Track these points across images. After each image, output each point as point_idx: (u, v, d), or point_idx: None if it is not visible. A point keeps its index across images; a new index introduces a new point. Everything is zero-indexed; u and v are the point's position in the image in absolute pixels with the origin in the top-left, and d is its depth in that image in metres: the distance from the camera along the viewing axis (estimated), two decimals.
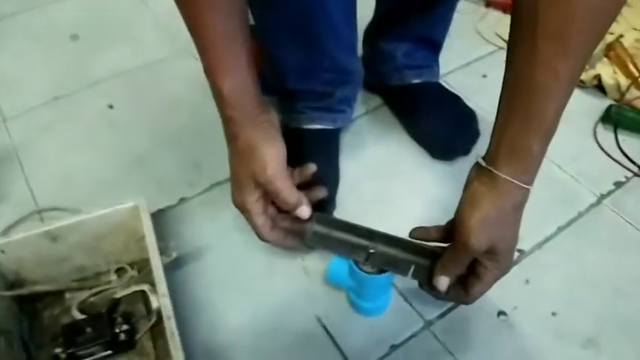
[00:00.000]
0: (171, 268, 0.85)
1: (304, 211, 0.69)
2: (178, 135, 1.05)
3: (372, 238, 0.73)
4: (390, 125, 1.07)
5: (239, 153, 0.67)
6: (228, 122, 0.67)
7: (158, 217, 0.92)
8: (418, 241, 0.71)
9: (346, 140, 1.03)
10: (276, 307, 0.82)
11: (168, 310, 0.66)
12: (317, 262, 0.86)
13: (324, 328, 0.79)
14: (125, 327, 0.75)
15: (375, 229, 0.73)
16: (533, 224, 0.90)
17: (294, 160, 0.73)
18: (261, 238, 0.72)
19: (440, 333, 0.79)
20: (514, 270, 0.84)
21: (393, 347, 0.77)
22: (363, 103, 1.11)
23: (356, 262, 0.73)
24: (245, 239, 0.89)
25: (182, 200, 0.95)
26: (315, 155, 0.84)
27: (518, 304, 0.82)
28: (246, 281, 0.85)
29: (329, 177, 0.92)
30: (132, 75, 1.19)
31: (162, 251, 0.75)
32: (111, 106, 1.13)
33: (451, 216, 0.66)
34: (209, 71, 0.64)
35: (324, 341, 0.78)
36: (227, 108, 0.65)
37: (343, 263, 0.75)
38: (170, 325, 0.64)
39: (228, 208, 0.91)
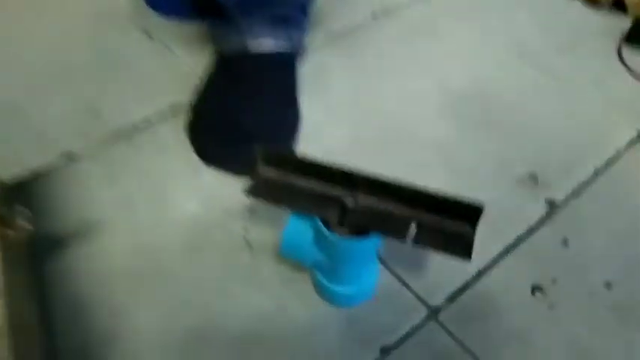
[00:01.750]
0: (49, 252, 0.56)
1: None
2: (68, 71, 0.75)
3: (350, 184, 0.46)
4: (360, 53, 0.80)
5: None
6: None
7: (34, 182, 0.63)
8: (421, 187, 0.45)
9: (306, 72, 0.75)
10: (205, 300, 0.54)
11: None
12: (266, 231, 0.59)
13: (278, 329, 0.52)
14: None
15: (354, 169, 0.46)
16: (565, 168, 0.66)
17: (236, 101, 0.58)
18: None
19: (452, 323, 0.53)
20: (546, 229, 0.60)
21: (385, 350, 0.51)
22: (323, 29, 0.83)
23: (325, 224, 0.46)
24: (158, 207, 0.61)
25: (70, 158, 0.66)
26: (264, 91, 0.66)
27: (557, 274, 0.57)
28: (159, 266, 0.57)
29: (285, 120, 0.65)
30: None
31: (8, 223, 0.46)
32: None
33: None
34: None
35: (277, 350, 0.51)
36: None
37: (305, 228, 0.48)
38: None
39: (134, 166, 0.62)
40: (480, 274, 0.57)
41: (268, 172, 0.48)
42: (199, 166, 0.65)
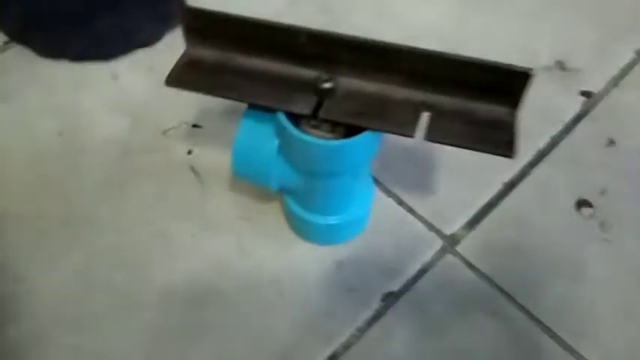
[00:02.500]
0: None
1: None
2: None
3: (326, 56, 0.31)
4: None
5: None
6: None
7: None
8: (434, 50, 0.30)
9: None
10: (139, 248, 0.39)
11: None
12: (216, 153, 0.43)
13: (241, 279, 0.38)
14: None
15: (331, 32, 0.30)
16: (594, 50, 0.51)
17: None
18: None
19: (475, 256, 0.39)
20: (585, 127, 0.45)
21: (389, 298, 0.37)
22: None
23: (293, 121, 0.31)
24: (71, 127, 0.45)
25: None
26: None
27: (606, 183, 0.43)
28: (74, 207, 0.41)
29: None
30: None
31: None
32: None
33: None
34: None
35: (241, 306, 0.37)
36: None
37: (264, 132, 0.33)
38: None
39: (34, 76, 0.46)
40: (506, 189, 0.43)
41: (200, 48, 0.32)
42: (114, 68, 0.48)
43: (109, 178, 0.42)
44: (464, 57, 0.29)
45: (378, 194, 0.41)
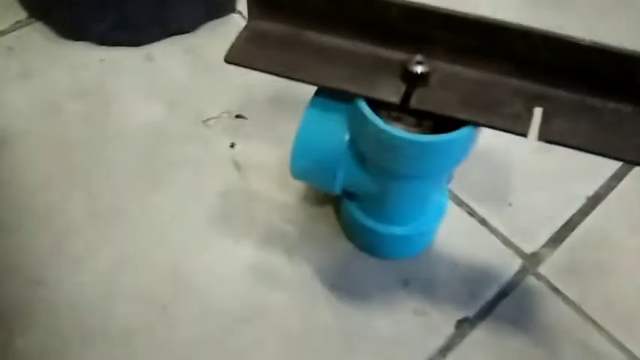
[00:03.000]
0: None
1: None
2: None
3: (419, 34, 0.26)
4: None
5: None
6: None
7: None
8: (549, 31, 0.24)
9: None
10: (177, 254, 0.34)
11: None
12: (264, 146, 0.38)
13: (292, 296, 0.33)
14: None
15: (424, 4, 0.25)
16: None
17: None
18: None
19: (557, 276, 0.34)
20: None
21: (463, 324, 0.32)
22: None
23: (375, 110, 0.26)
24: (98, 112, 0.40)
25: None
26: None
27: None
28: (102, 201, 0.36)
29: None
30: None
31: None
32: None
33: None
34: None
35: (290, 327, 0.32)
36: None
37: (333, 125, 0.28)
38: None
39: (62, 56, 0.41)
40: (594, 200, 0.37)
41: (266, 20, 0.27)
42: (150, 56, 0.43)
43: (142, 169, 0.37)
44: (590, 42, 0.24)
45: (452, 207, 0.36)
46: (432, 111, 0.25)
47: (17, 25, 0.46)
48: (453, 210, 0.36)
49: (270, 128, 0.39)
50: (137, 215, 0.35)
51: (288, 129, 0.28)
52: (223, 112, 0.40)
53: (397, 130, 0.25)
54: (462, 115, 0.25)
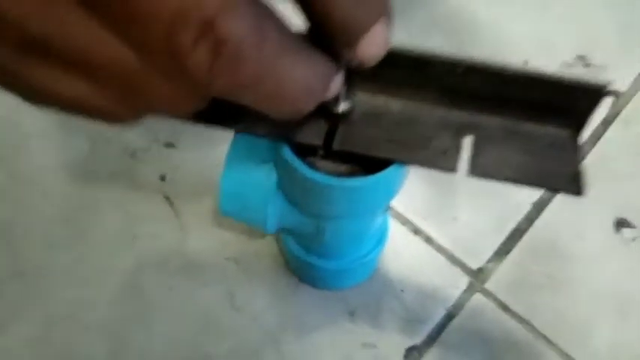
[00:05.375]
0: None
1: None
2: None
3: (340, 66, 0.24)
4: None
5: None
6: None
7: None
8: (474, 59, 0.23)
9: None
10: (108, 307, 0.32)
11: None
12: (197, 177, 0.36)
13: (234, 339, 0.31)
14: None
15: None
16: (620, 43, 0.46)
17: None
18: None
19: (507, 294, 0.34)
20: (616, 131, 0.40)
21: (412, 353, 0.31)
22: None
23: (299, 152, 0.24)
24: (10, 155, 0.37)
25: None
26: None
27: None
28: (20, 256, 0.33)
29: None
30: None
31: None
32: None
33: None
34: None
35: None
36: None
37: (258, 162, 0.26)
38: None
39: None
40: (536, 210, 0.37)
41: None
42: None
43: (65, 214, 0.35)
44: (517, 69, 0.23)
45: (391, 222, 0.35)
46: (356, 152, 0.23)
47: None
48: (397, 229, 0.35)
49: (202, 156, 0.37)
50: (64, 267, 0.33)
51: (221, 156, 0.26)
52: (152, 142, 0.38)
53: (314, 174, 0.23)
54: (385, 155, 0.23)
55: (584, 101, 0.23)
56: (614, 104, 0.42)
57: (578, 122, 0.23)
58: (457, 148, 0.23)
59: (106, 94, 0.14)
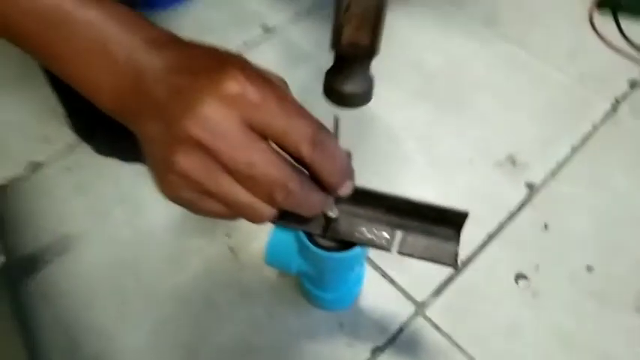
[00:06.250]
0: (23, 272, 0.54)
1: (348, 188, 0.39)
2: (19, 70, 0.70)
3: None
4: None
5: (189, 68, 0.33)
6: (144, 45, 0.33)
7: None
8: (410, 198, 0.44)
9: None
10: (193, 313, 0.53)
11: None
12: (249, 237, 0.58)
13: (269, 336, 0.52)
14: None
15: None
16: (540, 146, 0.66)
17: None
18: (303, 204, 0.37)
19: (439, 318, 0.54)
20: (526, 213, 0.60)
21: (377, 351, 0.52)
22: None
23: (308, 235, 0.45)
24: (135, 216, 0.59)
25: (34, 166, 0.63)
26: None
27: (539, 260, 0.58)
28: (143, 281, 0.55)
29: None
30: None
31: None
32: None
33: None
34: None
35: (270, 357, 0.51)
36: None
37: (289, 237, 0.47)
38: None
39: (105, 172, 0.60)
40: (464, 264, 0.57)
41: None
42: None
43: (169, 257, 0.57)
44: (423, 202, 0.44)
45: (369, 270, 0.56)
46: (338, 237, 0.45)
47: (70, 148, 0.65)
48: (371, 273, 0.56)
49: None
50: (167, 290, 0.55)
51: (264, 228, 0.48)
52: None
53: (313, 247, 0.44)
54: (355, 240, 0.44)
55: (458, 217, 0.43)
56: (528, 194, 0.62)
57: (458, 226, 0.44)
58: (392, 238, 0.44)
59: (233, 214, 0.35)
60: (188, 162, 0.32)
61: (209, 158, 0.32)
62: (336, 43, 0.32)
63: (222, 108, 0.31)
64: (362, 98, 0.37)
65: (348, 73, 0.35)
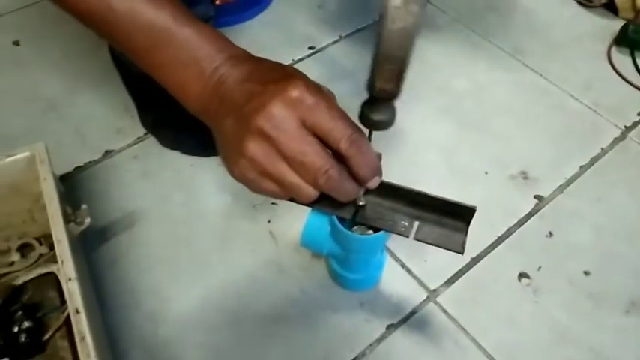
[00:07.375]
0: (96, 241, 0.65)
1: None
2: (102, 71, 0.82)
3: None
4: None
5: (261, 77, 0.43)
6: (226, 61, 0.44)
7: (76, 177, 0.71)
8: (428, 193, 0.52)
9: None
10: (237, 285, 0.63)
11: (76, 301, 0.45)
12: (287, 223, 0.67)
13: (300, 308, 0.61)
14: (28, 324, 0.55)
15: None
16: (551, 164, 0.73)
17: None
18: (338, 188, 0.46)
19: (448, 305, 0.61)
20: (534, 222, 0.67)
21: (391, 327, 0.60)
22: None
23: (340, 220, 0.54)
24: (190, 200, 0.69)
25: (108, 153, 0.74)
26: None
27: (542, 262, 0.65)
28: (195, 254, 0.65)
29: None
30: (43, 6, 0.95)
31: (70, 217, 0.54)
32: (17, 43, 0.89)
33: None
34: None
35: (300, 326, 0.60)
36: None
37: (322, 222, 0.56)
38: (79, 323, 0.44)
39: (167, 162, 0.70)
40: (474, 261, 0.65)
41: None
42: None
43: (218, 236, 0.66)
44: (438, 196, 0.52)
45: (390, 260, 0.64)
46: (366, 223, 0.53)
47: (139, 140, 0.76)
48: (391, 263, 0.64)
49: (290, 212, 0.68)
50: (216, 262, 0.64)
51: (301, 213, 0.57)
52: (265, 201, 0.69)
53: (344, 229, 0.53)
54: (379, 225, 0.53)
55: (467, 211, 0.51)
56: (536, 205, 0.70)
57: (467, 219, 0.52)
58: (412, 226, 0.53)
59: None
60: (256, 148, 0.41)
61: (271, 147, 0.41)
62: (370, 88, 0.42)
63: (285, 109, 0.40)
64: (387, 124, 0.46)
65: (377, 107, 0.44)
